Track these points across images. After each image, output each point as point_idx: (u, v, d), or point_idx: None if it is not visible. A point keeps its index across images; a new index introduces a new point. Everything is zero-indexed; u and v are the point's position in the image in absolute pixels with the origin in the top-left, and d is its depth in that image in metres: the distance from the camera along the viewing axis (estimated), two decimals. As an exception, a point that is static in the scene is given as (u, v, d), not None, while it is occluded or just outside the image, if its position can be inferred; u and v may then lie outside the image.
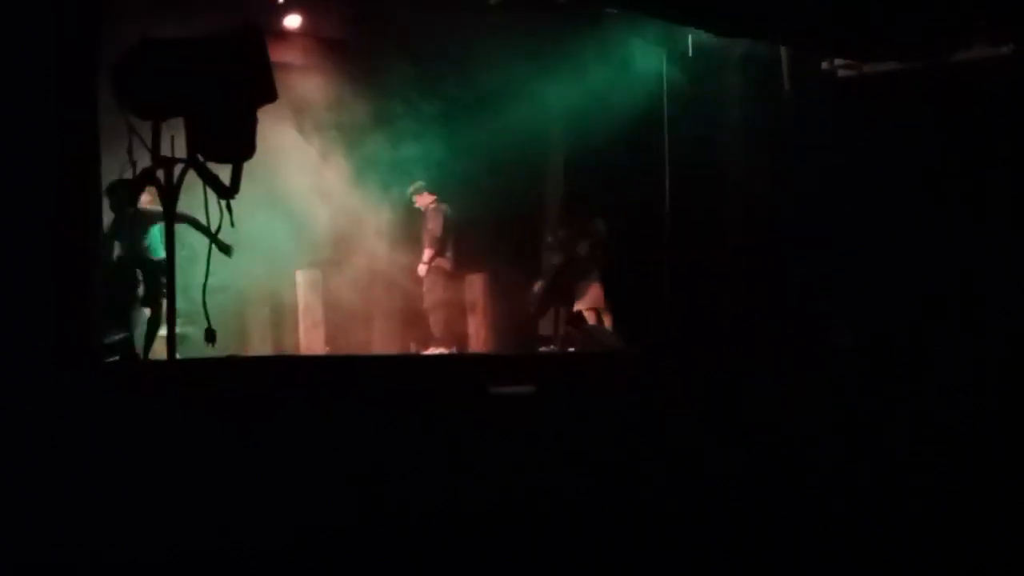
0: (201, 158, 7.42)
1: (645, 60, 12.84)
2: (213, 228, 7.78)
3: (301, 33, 12.08)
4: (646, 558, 6.08)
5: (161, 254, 10.62)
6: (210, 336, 7.71)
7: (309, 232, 12.23)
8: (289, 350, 12.14)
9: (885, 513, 6.45)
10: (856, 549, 6.07)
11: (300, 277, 12.45)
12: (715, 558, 6.08)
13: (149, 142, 7.39)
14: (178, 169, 7.43)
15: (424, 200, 12.95)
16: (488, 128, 12.67)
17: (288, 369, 8.50)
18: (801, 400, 8.07)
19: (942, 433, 7.45)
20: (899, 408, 7.86)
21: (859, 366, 9.35)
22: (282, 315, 12.50)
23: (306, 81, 12.02)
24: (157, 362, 9.09)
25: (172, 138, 7.45)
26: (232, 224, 7.60)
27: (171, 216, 7.53)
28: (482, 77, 12.59)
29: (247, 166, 7.57)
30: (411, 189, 12.91)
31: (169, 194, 7.44)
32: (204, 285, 7.64)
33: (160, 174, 7.43)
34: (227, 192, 7.45)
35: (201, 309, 7.71)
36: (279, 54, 11.16)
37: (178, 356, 7.53)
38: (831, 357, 9.84)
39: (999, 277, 11.15)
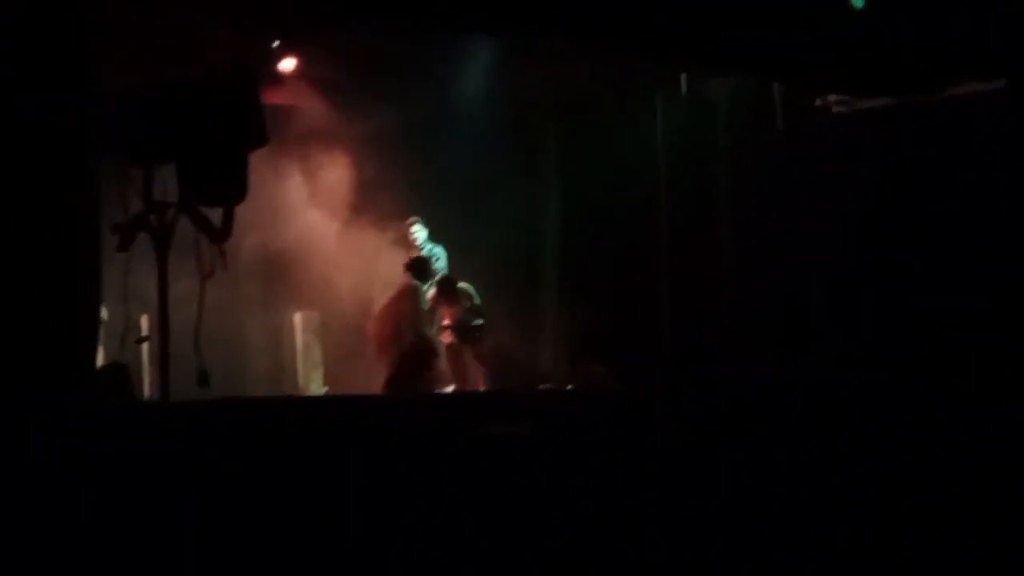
0: (193, 202, 7.39)
1: (640, 101, 12.90)
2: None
3: (297, 76, 12.10)
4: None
5: None
6: (203, 379, 7.64)
7: (307, 273, 12.26)
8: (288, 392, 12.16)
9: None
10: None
11: (298, 319, 12.49)
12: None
13: (141, 187, 7.36)
14: (170, 213, 7.38)
15: (419, 235, 12.94)
16: (485, 170, 12.76)
17: (287, 410, 8.55)
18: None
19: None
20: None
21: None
22: (280, 357, 12.53)
23: (303, 123, 12.07)
24: (152, 403, 9.04)
25: (164, 183, 7.45)
26: (225, 268, 7.56)
27: (163, 261, 7.49)
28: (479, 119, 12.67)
29: (241, 209, 7.56)
30: (409, 222, 12.91)
31: (162, 239, 7.41)
32: (197, 326, 7.58)
33: (153, 218, 7.41)
34: (219, 236, 7.42)
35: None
36: (275, 97, 11.28)
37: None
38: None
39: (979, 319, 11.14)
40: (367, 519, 6.13)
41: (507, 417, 7.78)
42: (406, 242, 12.96)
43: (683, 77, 12.81)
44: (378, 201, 12.57)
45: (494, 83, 12.40)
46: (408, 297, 12.30)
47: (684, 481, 7.04)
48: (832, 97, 12.52)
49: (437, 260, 12.86)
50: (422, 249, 12.82)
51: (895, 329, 11.70)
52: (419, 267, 12.46)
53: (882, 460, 7.44)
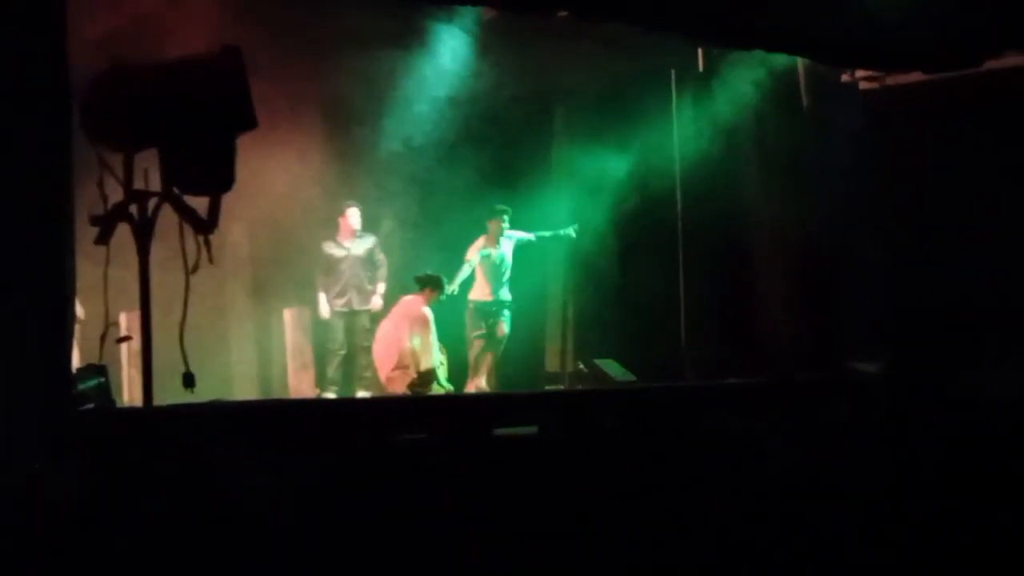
0: (177, 191, 6.98)
1: (652, 79, 12.69)
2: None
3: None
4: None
5: None
6: (188, 380, 7.27)
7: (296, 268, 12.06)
8: (277, 393, 11.88)
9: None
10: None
11: (288, 316, 12.11)
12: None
13: (121, 175, 6.97)
14: (152, 203, 6.97)
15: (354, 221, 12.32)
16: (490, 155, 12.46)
17: (276, 413, 8.41)
18: (819, 432, 7.82)
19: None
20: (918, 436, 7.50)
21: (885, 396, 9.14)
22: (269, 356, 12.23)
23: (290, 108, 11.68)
24: (134, 408, 8.87)
25: (146, 170, 7.01)
26: (211, 261, 7.22)
27: (145, 253, 7.09)
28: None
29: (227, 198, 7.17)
30: (346, 205, 12.29)
31: (144, 230, 7.03)
32: (181, 324, 7.17)
33: (134, 209, 6.98)
34: (205, 226, 7.04)
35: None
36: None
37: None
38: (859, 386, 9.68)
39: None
40: (365, 525, 6.02)
41: (516, 417, 7.88)
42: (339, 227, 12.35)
43: (700, 53, 12.59)
44: (374, 191, 12.30)
45: (501, 61, 12.02)
46: (424, 325, 11.77)
47: (699, 479, 6.89)
48: (859, 73, 12.39)
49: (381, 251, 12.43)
50: (357, 235, 12.22)
51: (925, 311, 11.52)
52: (437, 283, 11.93)
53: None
